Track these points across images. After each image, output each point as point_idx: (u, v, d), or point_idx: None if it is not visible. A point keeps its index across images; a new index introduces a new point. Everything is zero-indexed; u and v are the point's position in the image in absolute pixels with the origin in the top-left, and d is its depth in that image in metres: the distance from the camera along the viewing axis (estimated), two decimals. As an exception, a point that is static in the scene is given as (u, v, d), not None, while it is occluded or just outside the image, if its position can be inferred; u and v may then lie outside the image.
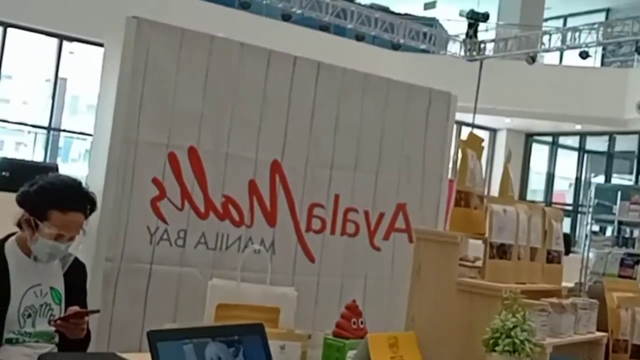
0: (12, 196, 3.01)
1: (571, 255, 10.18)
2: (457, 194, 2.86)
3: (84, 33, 12.58)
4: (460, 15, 16.24)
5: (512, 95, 14.86)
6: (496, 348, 2.44)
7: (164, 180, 3.94)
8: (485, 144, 4.22)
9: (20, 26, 12.71)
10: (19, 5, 12.05)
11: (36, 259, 2.95)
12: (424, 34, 14.79)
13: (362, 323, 2.80)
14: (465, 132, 13.65)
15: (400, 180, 4.78)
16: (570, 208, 17.76)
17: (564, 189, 19.08)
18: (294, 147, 4.36)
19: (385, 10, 16.49)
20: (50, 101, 13.45)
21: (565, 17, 18.96)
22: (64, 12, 12.21)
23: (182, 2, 12.15)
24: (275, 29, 12.83)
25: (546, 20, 17.26)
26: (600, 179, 17.49)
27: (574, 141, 18.70)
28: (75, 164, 14.56)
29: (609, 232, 12.14)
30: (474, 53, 14.90)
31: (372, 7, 15.73)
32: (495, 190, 3.35)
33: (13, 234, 3.03)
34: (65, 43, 13.43)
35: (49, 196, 2.93)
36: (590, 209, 11.09)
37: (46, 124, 13.60)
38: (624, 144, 17.37)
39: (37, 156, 13.58)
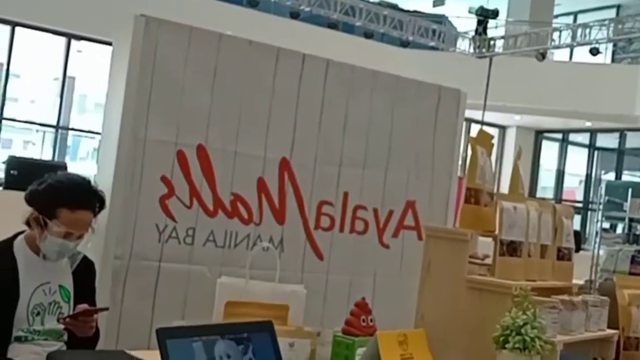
0: (20, 195, 3.01)
1: (581, 252, 10.16)
2: (467, 191, 2.85)
3: (92, 32, 12.63)
4: (470, 12, 16.19)
5: (521, 92, 14.82)
6: (506, 345, 2.44)
7: (172, 178, 3.93)
8: (495, 141, 4.19)
9: (29, 25, 12.76)
10: (27, 4, 12.09)
11: (45, 257, 2.96)
12: (433, 31, 14.77)
13: (371, 320, 2.79)
14: (475, 129, 13.61)
15: (409, 177, 4.76)
16: (580, 205, 17.72)
17: (574, 186, 19.03)
18: (303, 144, 4.34)
19: (394, 7, 16.50)
20: (59, 100, 13.50)
21: (575, 14, 18.89)
22: (72, 11, 12.25)
23: (190, 0, 12.16)
24: (283, 26, 12.85)
25: (556, 16, 17.19)
26: (611, 176, 17.43)
27: (584, 138, 18.65)
28: (83, 163, 14.62)
29: (619, 230, 12.12)
30: (484, 50, 14.88)
31: (381, 4, 15.73)
32: (505, 188, 3.33)
33: (22, 232, 3.03)
34: (73, 42, 13.48)
35: (58, 194, 2.93)
36: (601, 206, 11.05)
37: (54, 123, 13.65)
38: (634, 140, 17.31)
39: (46, 155, 13.63)
